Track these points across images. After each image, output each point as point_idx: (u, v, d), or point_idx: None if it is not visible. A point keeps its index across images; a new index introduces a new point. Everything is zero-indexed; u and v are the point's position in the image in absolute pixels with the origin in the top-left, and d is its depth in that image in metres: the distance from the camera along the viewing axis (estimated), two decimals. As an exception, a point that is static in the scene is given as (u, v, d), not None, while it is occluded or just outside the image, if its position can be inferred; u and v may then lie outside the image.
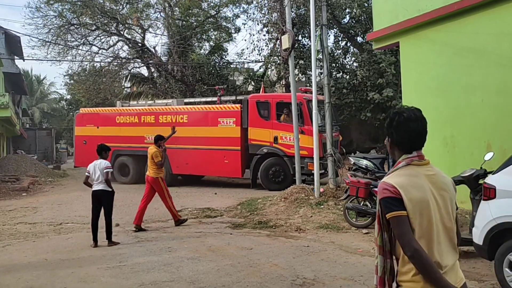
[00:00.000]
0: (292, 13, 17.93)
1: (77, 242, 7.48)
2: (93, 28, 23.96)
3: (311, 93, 10.73)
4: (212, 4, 24.69)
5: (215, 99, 16.59)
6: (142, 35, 25.20)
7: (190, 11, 24.05)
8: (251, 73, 25.06)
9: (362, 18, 20.71)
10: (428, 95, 9.36)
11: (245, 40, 60.69)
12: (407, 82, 10.10)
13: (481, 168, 5.88)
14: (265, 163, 13.48)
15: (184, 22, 24.53)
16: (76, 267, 5.93)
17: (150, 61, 24.56)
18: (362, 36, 20.99)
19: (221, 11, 24.96)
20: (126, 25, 24.25)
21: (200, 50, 26.14)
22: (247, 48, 42.83)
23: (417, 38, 9.59)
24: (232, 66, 25.82)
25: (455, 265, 2.12)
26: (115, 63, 25.34)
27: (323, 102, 10.68)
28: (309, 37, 18.14)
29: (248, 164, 13.94)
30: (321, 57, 10.75)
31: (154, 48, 25.18)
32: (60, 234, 8.25)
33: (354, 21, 21.47)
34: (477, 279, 5.06)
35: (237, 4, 23.70)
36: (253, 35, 28.44)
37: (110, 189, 7.30)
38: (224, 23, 25.34)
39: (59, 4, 22.83)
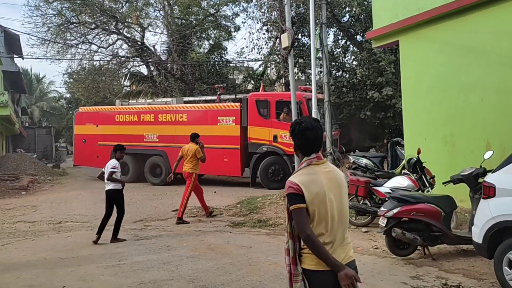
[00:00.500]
0: (292, 12, 17.92)
1: (76, 241, 7.47)
2: (92, 27, 23.92)
3: (311, 91, 10.73)
4: (211, 2, 24.66)
5: (214, 97, 16.59)
6: (142, 33, 25.18)
7: (190, 9, 24.00)
8: (251, 72, 25.03)
9: (361, 17, 20.68)
10: (428, 93, 9.36)
11: (245, 38, 60.64)
12: (406, 81, 10.10)
13: (480, 166, 5.89)
14: (264, 162, 13.48)
15: (183, 21, 24.49)
16: (75, 266, 5.93)
17: (150, 60, 24.53)
18: (361, 34, 20.97)
19: (220, 10, 24.94)
20: (125, 23, 24.21)
21: (200, 48, 26.12)
22: (247, 47, 42.83)
23: (417, 37, 9.58)
24: (231, 64, 25.80)
25: (345, 243, 2.60)
26: (114, 62, 25.32)
27: (322, 100, 10.67)
28: (309, 36, 18.11)
29: (247, 162, 13.94)
30: (320, 55, 10.74)
31: (153, 46, 25.12)
32: (60, 233, 8.25)
33: (353, 20, 21.44)
34: (477, 277, 5.06)
35: (237, 3, 23.67)
36: (253, 34, 28.36)
37: (119, 188, 7.58)
38: (224, 22, 25.31)
39: (58, 2, 22.78)
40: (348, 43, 22.52)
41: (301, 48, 20.75)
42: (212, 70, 24.31)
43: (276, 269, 5.51)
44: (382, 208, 5.96)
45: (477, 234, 4.81)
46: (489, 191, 4.75)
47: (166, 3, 24.10)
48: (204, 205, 9.59)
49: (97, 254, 6.53)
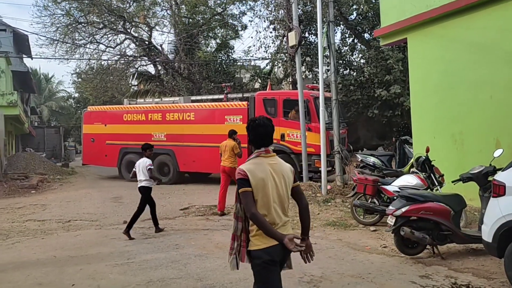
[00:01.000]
0: (299, 10, 17.88)
1: (85, 239, 7.52)
2: (100, 27, 24.06)
3: (318, 90, 10.70)
4: (218, 1, 24.68)
5: (221, 96, 16.60)
6: (149, 33, 25.29)
7: (197, 8, 24.05)
8: (258, 71, 25.04)
9: (369, 15, 20.59)
10: (436, 91, 9.29)
11: (252, 37, 60.61)
12: (415, 79, 10.03)
13: (490, 165, 5.84)
14: (272, 161, 13.44)
15: (190, 20, 24.54)
16: (84, 264, 5.97)
17: (157, 59, 24.62)
18: (369, 32, 20.88)
19: (227, 9, 24.95)
20: (133, 23, 24.33)
21: (207, 47, 26.17)
22: (254, 46, 42.86)
23: (425, 34, 9.52)
24: (238, 63, 25.80)
25: (286, 224, 3.01)
26: (122, 61, 25.46)
27: (330, 99, 10.64)
28: (316, 34, 18.06)
29: (255, 161, 13.91)
30: (328, 54, 10.71)
31: (161, 46, 25.22)
32: (69, 231, 8.31)
33: (361, 18, 21.35)
34: (486, 276, 5.01)
35: (244, 2, 23.68)
36: (260, 32, 28.53)
37: (151, 185, 7.91)
38: (231, 21, 25.34)
39: (67, 2, 22.96)
40: (355, 41, 22.43)
41: (308, 46, 20.70)
42: (219, 69, 24.34)
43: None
44: (390, 207, 5.93)
45: (487, 233, 4.76)
46: (499, 190, 4.71)
47: (173, 2, 24.17)
48: (224, 200, 9.60)
49: (106, 253, 6.57)
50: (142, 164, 7.78)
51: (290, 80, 21.02)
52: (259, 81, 23.90)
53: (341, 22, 21.34)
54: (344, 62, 21.27)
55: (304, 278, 5.11)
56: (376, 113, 18.62)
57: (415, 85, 10.02)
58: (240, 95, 16.91)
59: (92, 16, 23.40)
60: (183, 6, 24.71)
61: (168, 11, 24.78)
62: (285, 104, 13.45)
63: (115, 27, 24.04)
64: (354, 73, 20.79)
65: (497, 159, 5.79)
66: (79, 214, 10.12)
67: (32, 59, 41.80)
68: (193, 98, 17.54)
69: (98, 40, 24.45)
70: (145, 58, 25.62)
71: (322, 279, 5.05)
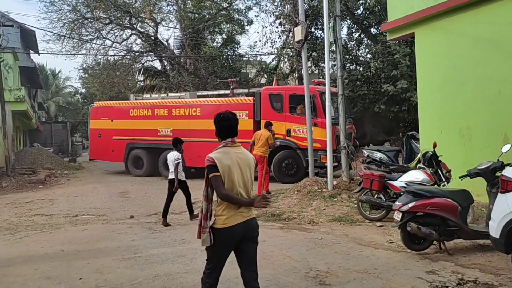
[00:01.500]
0: (305, 5, 17.78)
1: (92, 234, 7.58)
2: (106, 22, 24.10)
3: (324, 85, 10.65)
4: (224, -4, 24.64)
5: (227, 92, 16.60)
6: (155, 28, 25.29)
7: (203, 3, 24.02)
8: (264, 66, 24.97)
9: (376, 9, 20.43)
10: (444, 86, 9.22)
11: (258, 32, 60.33)
12: (422, 74, 9.96)
13: (498, 160, 5.79)
14: (278, 156, 13.46)
15: (196, 15, 24.51)
16: (91, 258, 6.01)
17: (163, 55, 24.63)
18: (376, 27, 20.73)
19: (233, 4, 24.89)
20: (139, 18, 24.34)
21: (213, 43, 26.13)
22: (260, 41, 42.72)
23: (433, 29, 9.43)
24: (244, 59, 25.74)
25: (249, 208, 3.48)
26: (128, 57, 25.51)
27: (336, 94, 10.58)
28: (322, 29, 17.97)
29: (261, 156, 13.91)
30: (334, 49, 10.63)
31: (167, 41, 25.28)
32: (76, 226, 8.37)
33: (368, 12, 21.19)
34: (494, 272, 4.99)
35: (250, -4, 23.58)
36: (266, 28, 27.98)
37: (181, 178, 8.39)
38: (237, 16, 25.27)
39: (73, -2, 23.01)
40: (362, 35, 22.28)
41: (315, 41, 20.60)
42: (225, 64, 24.31)
43: (290, 263, 5.51)
44: (397, 202, 5.90)
45: (495, 229, 4.73)
46: (507, 185, 4.67)
47: (179, -2, 24.13)
48: (259, 187, 10.51)
49: (113, 247, 6.62)
50: (171, 158, 8.33)
51: (296, 75, 20.93)
52: (265, 76, 23.85)
53: (347, 17, 21.20)
54: (350, 57, 21.15)
55: (310, 273, 5.11)
56: (382, 108, 18.52)
57: (422, 80, 9.94)
58: (246, 90, 16.90)
59: (98, 12, 23.44)
60: (188, 1, 24.68)
61: (174, 6, 24.77)
62: (291, 100, 13.42)
63: (121, 22, 24.07)
64: (361, 68, 20.67)
65: (505, 154, 5.74)
66: (86, 209, 10.19)
67: (39, 55, 42.02)
68: (199, 93, 17.55)
69: (104, 36, 24.51)
70: (151, 53, 25.65)
71: (328, 274, 5.05)
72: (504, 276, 4.86)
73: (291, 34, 17.69)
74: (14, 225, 8.60)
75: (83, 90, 42.99)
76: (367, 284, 4.75)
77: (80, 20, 23.35)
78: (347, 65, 20.77)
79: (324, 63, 12.81)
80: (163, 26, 27.58)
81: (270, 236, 6.98)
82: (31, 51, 27.92)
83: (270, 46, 22.41)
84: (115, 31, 24.78)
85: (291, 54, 20.85)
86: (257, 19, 55.26)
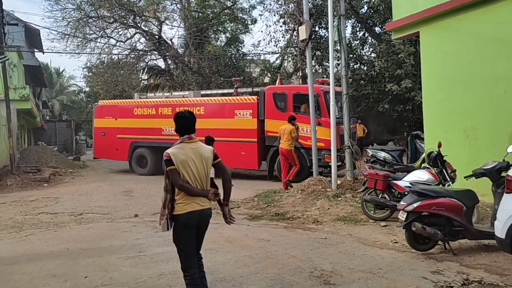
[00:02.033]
0: (309, 4, 17.76)
1: (97, 232, 7.60)
2: (110, 21, 24.16)
3: (328, 84, 10.63)
4: (228, -5, 24.64)
5: (231, 91, 16.60)
6: (159, 27, 25.33)
7: (207, 2, 24.03)
8: (268, 65, 24.96)
9: (380, 8, 20.38)
10: (449, 86, 9.18)
11: (262, 31, 60.39)
12: (427, 73, 9.92)
13: (503, 160, 5.76)
14: (281, 155, 13.43)
15: (200, 14, 24.52)
16: (97, 257, 6.04)
17: (167, 53, 24.67)
18: (380, 26, 20.67)
19: (237, 2, 24.89)
20: (143, 17, 24.39)
21: (217, 42, 26.15)
22: (264, 40, 42.61)
23: (438, 28, 9.39)
24: (248, 58, 25.74)
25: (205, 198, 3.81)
26: (132, 56, 25.56)
27: (340, 93, 10.57)
28: (327, 28, 17.97)
29: (264, 156, 13.93)
30: (338, 48, 10.61)
31: (170, 40, 25.26)
32: (81, 224, 8.40)
33: (372, 11, 21.14)
34: (499, 273, 4.97)
35: (254, -5, 23.55)
36: (270, 26, 28.11)
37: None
38: (241, 15, 25.27)
39: (77, -4, 23.08)
40: (366, 35, 22.23)
41: (319, 40, 20.58)
42: (229, 63, 24.31)
43: (294, 262, 5.51)
44: (402, 202, 5.89)
45: (500, 229, 4.72)
46: (513, 186, 4.65)
47: (183, -4, 24.15)
48: (286, 176, 11.18)
49: (118, 246, 6.64)
50: None
51: (300, 75, 20.92)
52: (269, 75, 23.83)
53: (352, 16, 21.15)
54: (354, 56, 21.10)
55: (315, 272, 5.11)
56: (386, 107, 18.49)
57: (427, 79, 9.90)
58: (249, 89, 16.88)
59: (102, 11, 23.52)
60: (192, 0, 24.69)
61: (178, 5, 24.81)
62: (295, 99, 13.40)
63: (125, 21, 24.12)
64: (365, 67, 20.63)
65: (511, 154, 5.71)
66: (91, 207, 10.22)
67: (43, 54, 42.17)
68: (203, 92, 17.56)
69: (108, 35, 24.58)
70: (155, 52, 25.70)
71: (333, 274, 5.05)
72: (509, 276, 4.85)
73: (295, 33, 17.69)
74: (19, 223, 8.63)
75: (87, 89, 43.15)
76: (371, 284, 4.75)
77: (84, 19, 23.43)
78: (351, 64, 20.72)
79: (328, 62, 12.80)
80: (167, 25, 27.66)
81: (274, 236, 6.99)
82: (35, 50, 28.02)
83: (274, 45, 22.42)
84: (119, 29, 24.87)
85: (295, 53, 20.84)
86: (261, 18, 55.37)
